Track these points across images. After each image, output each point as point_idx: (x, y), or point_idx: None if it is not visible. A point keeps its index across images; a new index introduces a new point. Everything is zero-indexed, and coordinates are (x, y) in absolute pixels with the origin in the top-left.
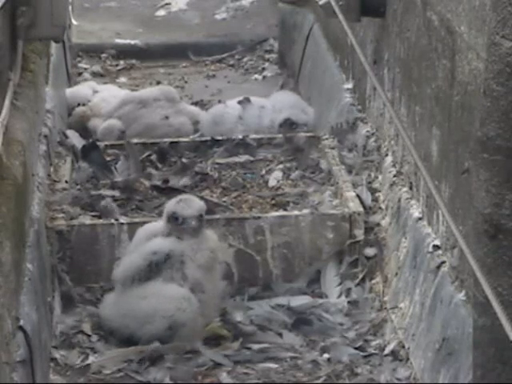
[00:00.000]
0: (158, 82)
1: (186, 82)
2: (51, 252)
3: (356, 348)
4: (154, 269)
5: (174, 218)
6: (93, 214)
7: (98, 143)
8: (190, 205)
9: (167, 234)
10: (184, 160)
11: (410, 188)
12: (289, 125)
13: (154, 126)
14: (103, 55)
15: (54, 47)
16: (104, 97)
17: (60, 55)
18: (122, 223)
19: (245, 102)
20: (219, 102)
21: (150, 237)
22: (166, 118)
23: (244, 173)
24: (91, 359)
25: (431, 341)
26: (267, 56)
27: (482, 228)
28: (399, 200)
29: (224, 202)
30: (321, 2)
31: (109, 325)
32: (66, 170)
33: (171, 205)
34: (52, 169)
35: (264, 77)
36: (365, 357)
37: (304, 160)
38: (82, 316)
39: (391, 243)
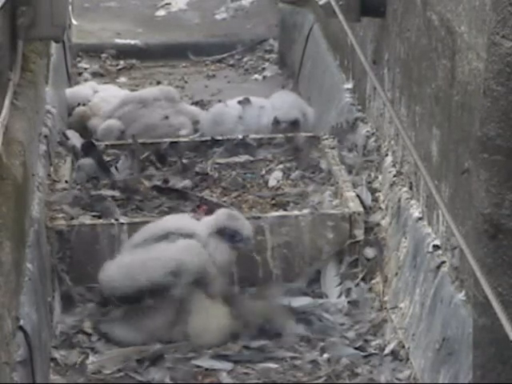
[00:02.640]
0: (158, 82)
1: (186, 82)
2: (51, 252)
3: (356, 348)
4: (169, 237)
5: (229, 235)
6: (93, 214)
7: (97, 143)
8: (247, 225)
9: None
10: (184, 160)
11: (410, 188)
12: (276, 123)
13: (154, 125)
14: (103, 55)
15: (54, 47)
16: (104, 97)
17: (60, 55)
18: (122, 223)
19: (244, 101)
20: (219, 101)
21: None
22: (166, 117)
23: (244, 173)
24: (91, 359)
25: (431, 341)
26: (267, 56)
27: (482, 228)
28: (399, 200)
29: (224, 201)
30: (321, 2)
31: (111, 289)
32: (65, 170)
33: (225, 219)
34: (52, 169)
35: (264, 77)
36: (365, 357)
37: (304, 160)
38: (82, 315)
39: (391, 243)
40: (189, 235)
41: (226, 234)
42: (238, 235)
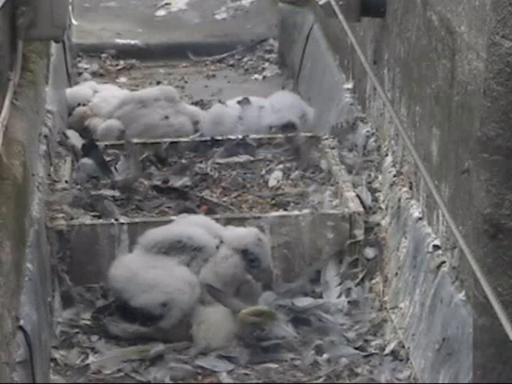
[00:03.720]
0: (158, 82)
1: (186, 82)
2: (51, 252)
3: (356, 348)
4: (178, 248)
5: (250, 259)
6: (93, 214)
7: (98, 143)
8: (269, 256)
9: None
10: (184, 160)
11: (410, 188)
12: (270, 129)
13: (154, 126)
14: (103, 55)
15: (54, 47)
16: (104, 97)
17: (60, 55)
18: (122, 223)
19: (244, 102)
20: (219, 101)
21: None
22: (166, 118)
23: (244, 173)
24: (91, 359)
25: (431, 341)
26: (267, 56)
27: (482, 228)
28: (399, 200)
29: (224, 201)
30: (321, 2)
31: (112, 286)
32: (66, 170)
33: (253, 243)
34: (52, 169)
35: (264, 77)
36: (365, 357)
37: (304, 160)
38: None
39: (391, 243)
40: (198, 248)
41: (247, 256)
42: (257, 262)
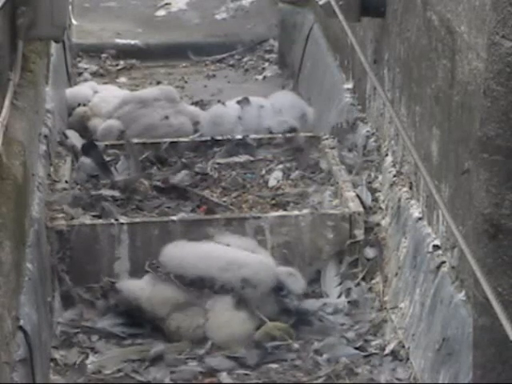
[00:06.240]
0: (158, 82)
1: (185, 82)
2: (51, 252)
3: (356, 348)
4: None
5: (279, 288)
6: (93, 214)
7: (98, 143)
8: (303, 288)
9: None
10: (184, 160)
11: (410, 188)
12: (269, 133)
13: (154, 126)
14: (103, 55)
15: (54, 47)
16: (104, 97)
17: (60, 55)
18: (122, 223)
19: (244, 102)
20: (219, 102)
21: None
22: (166, 118)
23: (244, 173)
24: (91, 359)
25: (431, 341)
26: (267, 56)
27: (482, 228)
28: (399, 200)
29: (224, 201)
30: (321, 2)
31: (172, 266)
32: (65, 170)
33: (287, 277)
34: (52, 169)
35: (264, 77)
36: (365, 357)
37: (304, 160)
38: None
39: (391, 243)
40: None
41: (281, 289)
42: (291, 296)
